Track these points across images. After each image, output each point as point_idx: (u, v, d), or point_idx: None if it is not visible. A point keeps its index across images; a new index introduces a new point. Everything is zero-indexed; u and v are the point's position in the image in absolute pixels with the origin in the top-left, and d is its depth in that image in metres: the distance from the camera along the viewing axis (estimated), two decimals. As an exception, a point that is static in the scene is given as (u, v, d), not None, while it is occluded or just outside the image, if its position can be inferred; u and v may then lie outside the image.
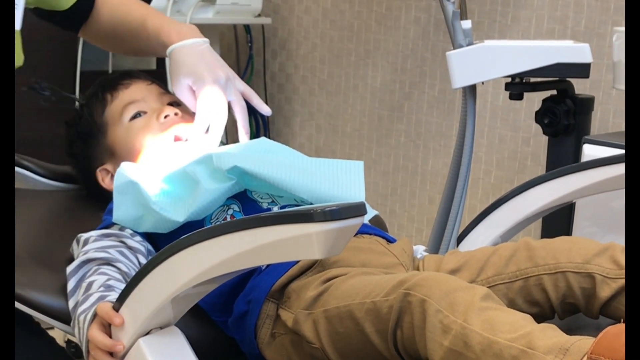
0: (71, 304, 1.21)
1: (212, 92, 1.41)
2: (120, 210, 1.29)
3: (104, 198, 1.43)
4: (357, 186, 1.31)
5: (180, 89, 1.43)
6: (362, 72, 2.70)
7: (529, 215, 1.54)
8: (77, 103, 1.52)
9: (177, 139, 1.40)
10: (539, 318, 1.25)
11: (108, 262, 1.23)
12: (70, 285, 1.22)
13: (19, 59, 1.38)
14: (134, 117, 1.44)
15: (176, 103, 1.47)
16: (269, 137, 2.71)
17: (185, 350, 1.11)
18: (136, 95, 1.45)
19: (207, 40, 1.48)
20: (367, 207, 1.19)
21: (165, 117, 1.42)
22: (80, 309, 1.16)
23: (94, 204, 1.49)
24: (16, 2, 1.33)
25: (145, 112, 1.44)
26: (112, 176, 1.40)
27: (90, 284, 1.19)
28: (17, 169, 1.59)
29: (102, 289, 1.17)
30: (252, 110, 1.50)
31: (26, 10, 1.42)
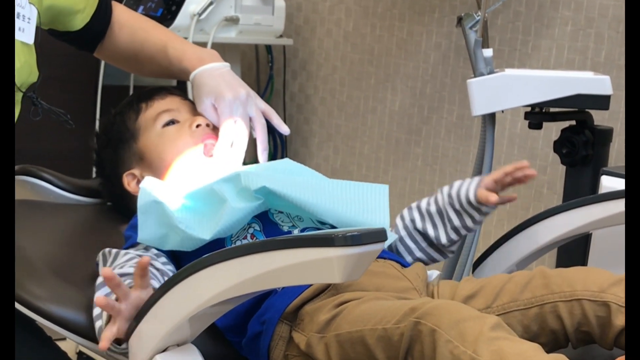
0: (96, 312, 1.21)
1: (233, 107, 1.45)
2: (145, 230, 1.30)
3: (126, 210, 1.44)
4: (381, 211, 1.32)
5: (205, 108, 1.46)
6: (381, 95, 2.71)
7: (545, 245, 1.54)
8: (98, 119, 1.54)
9: (206, 149, 1.42)
10: (553, 346, 1.26)
11: None
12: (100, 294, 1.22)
13: (33, 73, 1.39)
14: (167, 124, 1.46)
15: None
16: (286, 156, 2.71)
17: (201, 368, 1.12)
18: (171, 105, 1.49)
19: (227, 64, 1.51)
20: (388, 231, 1.20)
21: (197, 126, 1.45)
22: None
23: (116, 218, 1.50)
24: (29, 16, 1.35)
25: (178, 121, 1.47)
26: (139, 181, 1.42)
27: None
28: (38, 181, 1.61)
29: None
30: (270, 129, 1.52)
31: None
